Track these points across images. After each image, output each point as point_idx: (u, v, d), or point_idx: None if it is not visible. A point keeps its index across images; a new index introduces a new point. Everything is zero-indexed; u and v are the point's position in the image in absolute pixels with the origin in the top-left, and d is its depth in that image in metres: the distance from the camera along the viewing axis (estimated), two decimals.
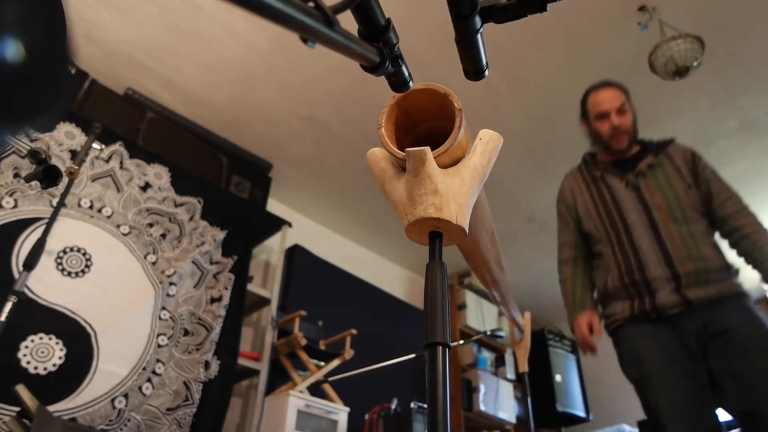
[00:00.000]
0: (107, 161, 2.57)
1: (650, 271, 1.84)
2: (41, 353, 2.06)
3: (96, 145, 2.36)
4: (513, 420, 4.06)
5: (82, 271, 2.28)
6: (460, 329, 4.20)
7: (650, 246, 1.86)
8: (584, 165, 2.16)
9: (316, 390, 2.90)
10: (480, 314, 4.40)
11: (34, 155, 1.53)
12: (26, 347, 2.03)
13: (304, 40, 0.38)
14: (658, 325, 1.81)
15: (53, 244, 2.20)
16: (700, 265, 1.80)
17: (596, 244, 2.03)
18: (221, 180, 3.15)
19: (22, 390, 1.67)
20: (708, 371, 1.72)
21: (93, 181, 2.49)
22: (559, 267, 2.13)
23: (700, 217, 1.90)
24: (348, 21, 0.42)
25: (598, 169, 2.09)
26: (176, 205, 2.74)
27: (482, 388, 3.96)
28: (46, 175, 1.53)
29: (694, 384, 1.70)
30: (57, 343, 2.10)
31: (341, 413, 2.84)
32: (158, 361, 2.37)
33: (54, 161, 1.95)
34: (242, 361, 2.81)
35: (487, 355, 4.32)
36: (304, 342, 2.85)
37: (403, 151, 0.61)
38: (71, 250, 2.29)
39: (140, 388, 2.27)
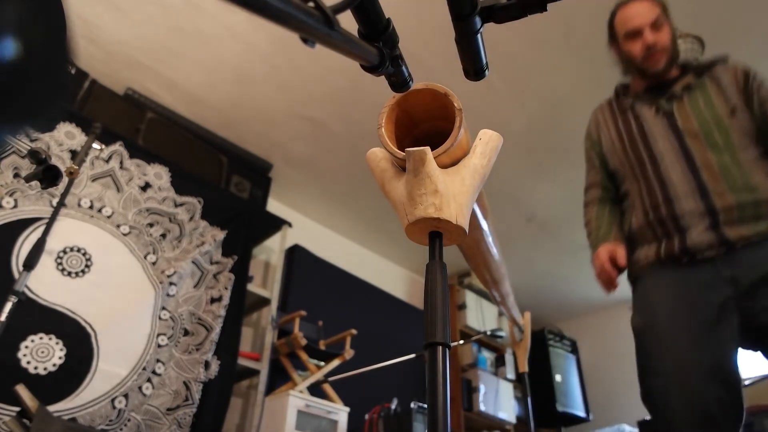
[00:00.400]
0: (107, 161, 2.58)
1: (680, 205, 1.52)
2: (41, 353, 2.06)
3: (96, 145, 2.36)
4: (513, 420, 4.07)
5: (82, 271, 2.28)
6: (460, 329, 4.21)
7: (681, 176, 1.55)
8: (615, 96, 1.84)
9: (316, 390, 2.90)
10: (480, 314, 4.40)
11: (34, 155, 1.53)
12: (26, 347, 2.03)
13: (304, 40, 0.39)
14: (689, 271, 1.48)
15: (53, 244, 2.20)
16: (747, 197, 1.46)
17: (623, 183, 1.74)
18: (221, 180, 3.15)
19: (22, 390, 1.67)
20: (758, 327, 1.39)
21: (93, 181, 2.49)
22: (584, 210, 1.85)
23: (751, 144, 1.56)
24: (348, 21, 0.42)
25: (628, 98, 1.76)
26: (176, 205, 2.74)
27: (482, 388, 3.96)
28: (46, 175, 1.53)
29: (714, 340, 1.39)
30: (57, 343, 2.10)
31: (341, 413, 2.84)
32: (158, 361, 2.37)
33: (54, 161, 1.95)
34: (242, 361, 2.81)
35: (487, 355, 4.33)
36: (304, 342, 2.85)
37: (403, 151, 0.61)
38: (71, 250, 2.29)
39: (140, 388, 2.27)
